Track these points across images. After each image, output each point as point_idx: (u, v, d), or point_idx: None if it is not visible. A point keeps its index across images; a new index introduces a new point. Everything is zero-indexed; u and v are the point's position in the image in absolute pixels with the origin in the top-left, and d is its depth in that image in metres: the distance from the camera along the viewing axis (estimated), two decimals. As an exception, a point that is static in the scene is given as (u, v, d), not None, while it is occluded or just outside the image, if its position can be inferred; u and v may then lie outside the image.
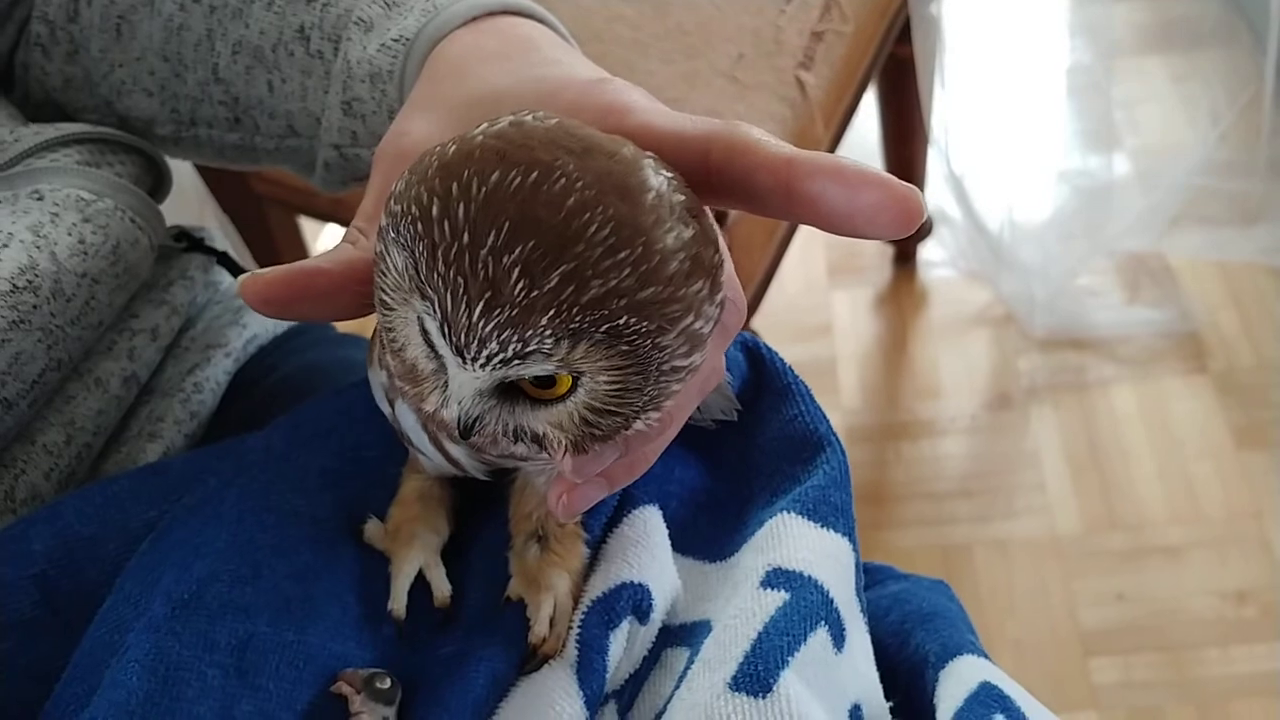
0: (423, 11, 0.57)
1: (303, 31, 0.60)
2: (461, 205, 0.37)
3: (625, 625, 0.50)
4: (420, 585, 0.52)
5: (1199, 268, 1.84)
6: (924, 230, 1.91)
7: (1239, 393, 1.69)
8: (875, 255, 1.96)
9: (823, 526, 0.53)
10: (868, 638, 0.54)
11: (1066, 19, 2.01)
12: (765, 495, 0.56)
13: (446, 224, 0.37)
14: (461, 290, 0.37)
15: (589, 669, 0.48)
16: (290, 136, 0.64)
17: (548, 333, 0.37)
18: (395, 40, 0.57)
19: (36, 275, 0.56)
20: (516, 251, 0.36)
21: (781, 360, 0.60)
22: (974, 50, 1.97)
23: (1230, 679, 1.42)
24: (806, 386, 0.59)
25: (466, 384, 0.39)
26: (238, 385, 0.69)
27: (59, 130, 0.62)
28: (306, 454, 0.55)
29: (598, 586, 0.50)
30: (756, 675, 0.46)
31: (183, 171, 1.28)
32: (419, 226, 0.37)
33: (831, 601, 0.50)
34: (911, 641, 0.58)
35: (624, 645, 0.50)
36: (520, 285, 0.36)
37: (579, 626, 0.49)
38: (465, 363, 0.38)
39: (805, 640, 0.48)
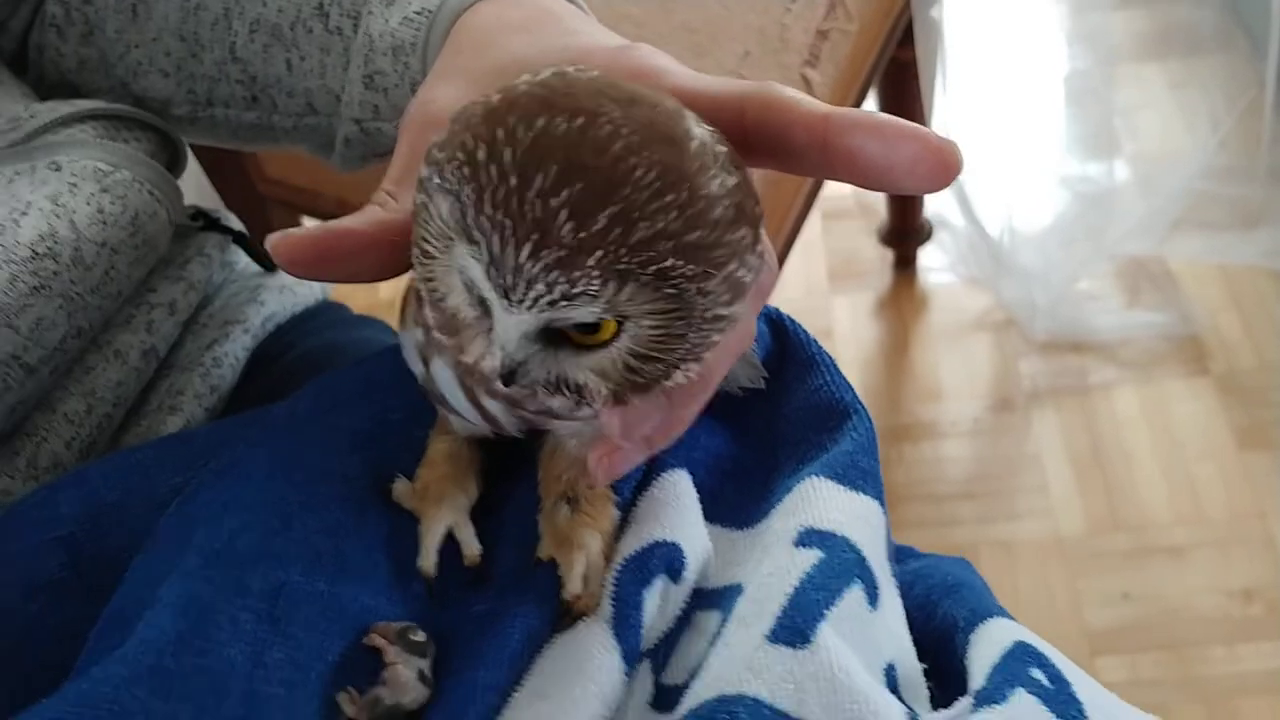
0: None
1: (321, 8, 0.60)
2: (508, 149, 0.37)
3: (659, 583, 0.49)
4: (449, 545, 0.52)
5: (1199, 271, 1.85)
6: (924, 235, 1.92)
7: (1240, 394, 1.70)
8: (875, 260, 1.97)
9: (852, 490, 0.53)
10: (899, 601, 0.53)
11: (1066, 26, 2.03)
12: (792, 464, 0.56)
13: (494, 167, 0.37)
14: (509, 232, 0.37)
15: (625, 624, 0.48)
16: (309, 114, 0.64)
17: (595, 273, 0.37)
18: (418, 13, 0.57)
19: (56, 242, 0.56)
20: (564, 194, 0.36)
21: (805, 331, 0.60)
22: (975, 55, 1.98)
23: (1237, 677, 1.42)
24: (830, 357, 0.59)
25: (511, 327, 0.39)
26: (256, 362, 0.69)
27: (74, 106, 0.62)
28: (334, 417, 0.55)
29: (630, 545, 0.50)
30: (795, 627, 0.46)
31: (188, 170, 1.28)
32: (465, 171, 0.38)
33: (865, 560, 0.50)
34: (938, 611, 0.58)
35: (658, 603, 0.50)
36: (568, 226, 0.36)
37: (613, 584, 0.49)
38: (512, 305, 0.38)
39: (841, 596, 0.48)
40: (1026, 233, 1.87)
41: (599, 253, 0.37)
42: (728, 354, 0.46)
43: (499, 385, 0.43)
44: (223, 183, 1.40)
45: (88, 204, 0.58)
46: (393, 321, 0.77)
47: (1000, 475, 1.67)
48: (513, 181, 0.37)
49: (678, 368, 0.42)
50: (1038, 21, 2.19)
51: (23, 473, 0.58)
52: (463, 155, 0.38)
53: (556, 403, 0.44)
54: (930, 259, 1.96)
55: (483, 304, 0.41)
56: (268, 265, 0.74)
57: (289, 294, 0.73)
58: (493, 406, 0.48)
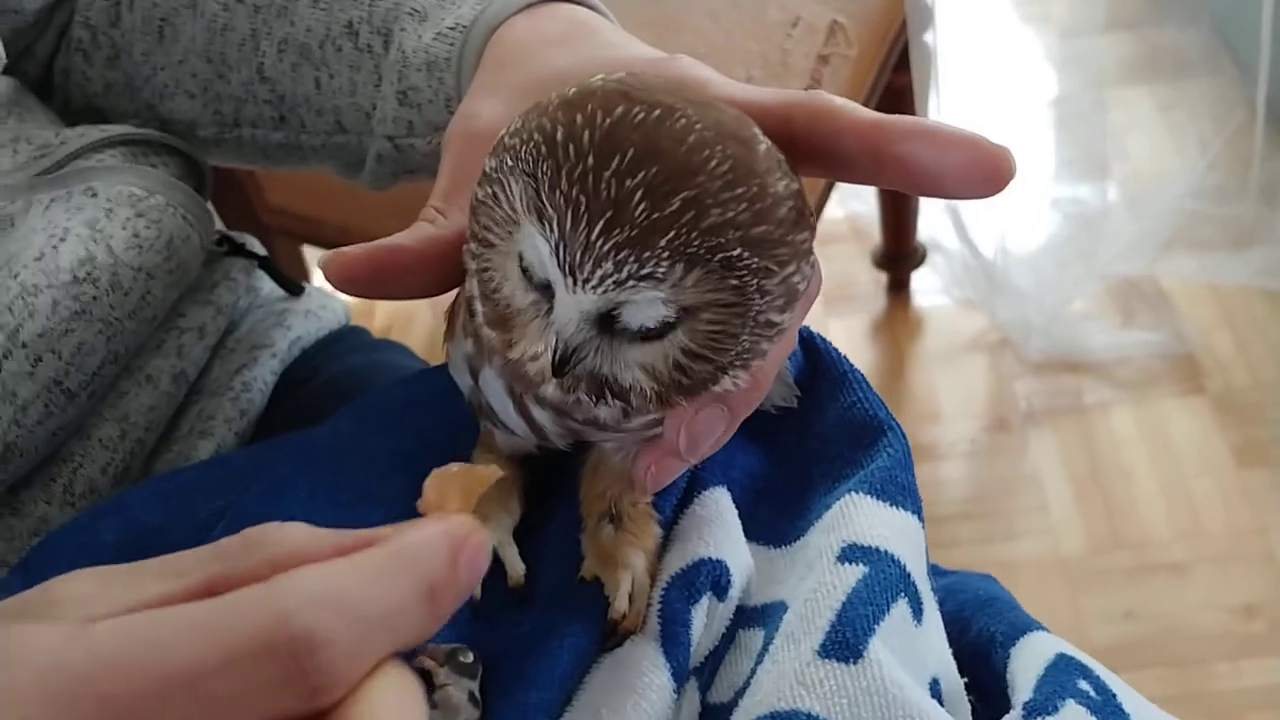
0: (477, 0, 0.57)
1: (351, 27, 0.61)
2: (587, 132, 0.38)
3: (705, 600, 0.50)
4: (493, 565, 0.51)
5: (1192, 291, 1.87)
6: (918, 258, 1.93)
7: (1236, 412, 1.71)
8: (869, 284, 1.98)
9: (892, 505, 0.54)
10: (939, 616, 0.54)
11: (1054, 50, 2.05)
12: (827, 482, 0.57)
13: (572, 147, 0.38)
14: (583, 208, 0.37)
15: (674, 641, 0.48)
16: (338, 133, 0.64)
17: (665, 254, 0.38)
18: (451, 28, 0.58)
19: (95, 267, 0.57)
20: (640, 175, 0.37)
21: (835, 349, 0.60)
22: (967, 80, 2.00)
23: (1241, 693, 1.42)
24: (861, 374, 0.60)
25: (572, 308, 0.39)
26: (283, 386, 0.69)
27: (104, 131, 0.62)
28: (375, 438, 0.55)
29: (675, 563, 0.50)
30: (845, 642, 0.46)
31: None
32: (543, 149, 0.38)
33: (909, 575, 0.50)
34: (973, 627, 0.58)
35: (704, 621, 0.50)
36: (642, 207, 0.37)
37: (660, 602, 0.49)
38: (577, 284, 0.38)
39: (888, 611, 0.48)
40: (1020, 254, 1.88)
41: (670, 234, 0.37)
42: (776, 362, 0.47)
43: (547, 388, 0.43)
44: (225, 211, 1.40)
45: (124, 229, 0.59)
46: (411, 344, 0.77)
47: (999, 496, 1.68)
48: (590, 161, 0.37)
49: (726, 372, 0.42)
50: (1027, 46, 2.21)
51: (59, 499, 0.58)
52: (540, 136, 0.39)
53: (603, 412, 0.45)
54: (924, 281, 1.97)
55: (541, 290, 0.41)
56: (292, 289, 0.74)
57: (314, 318, 0.73)
58: (540, 416, 0.48)
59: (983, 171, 0.42)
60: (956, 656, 0.55)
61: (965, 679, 0.54)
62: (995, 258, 1.85)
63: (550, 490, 0.55)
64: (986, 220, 1.86)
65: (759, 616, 0.53)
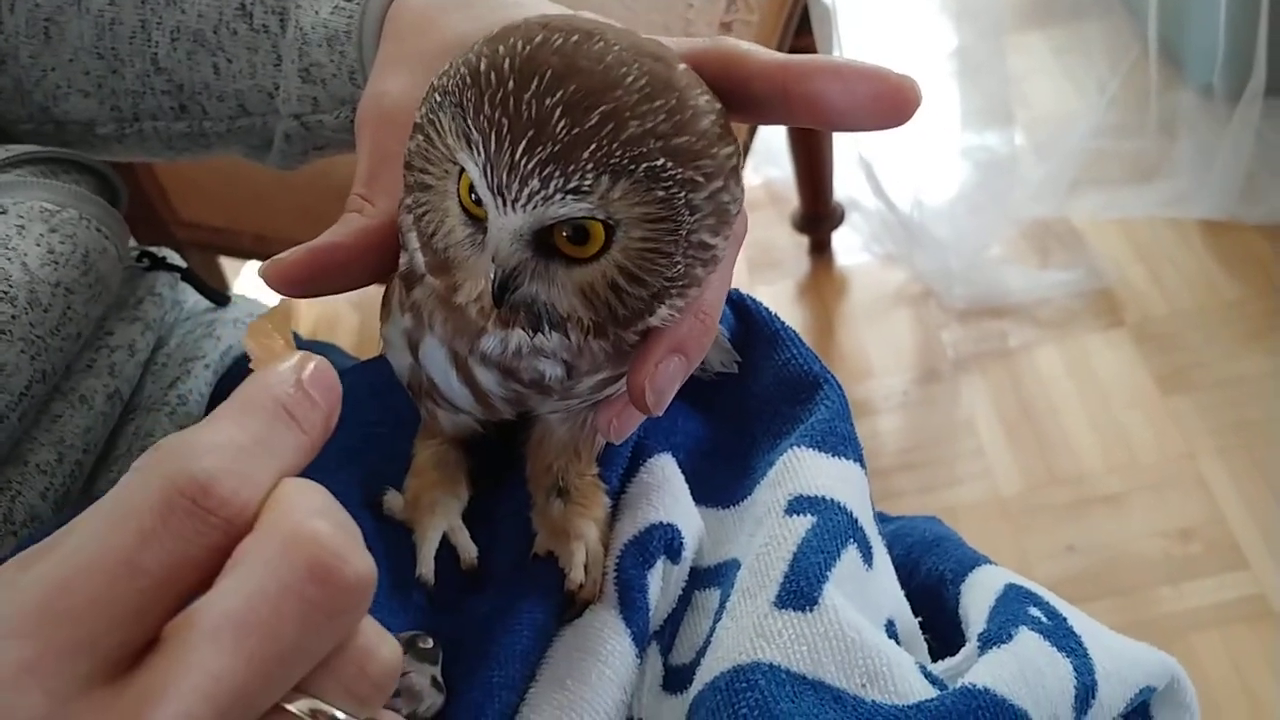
0: None
1: (244, 8, 0.60)
2: (507, 60, 0.39)
3: (660, 564, 0.50)
4: (445, 551, 0.52)
5: (1103, 227, 1.91)
6: (837, 218, 1.95)
7: (1156, 341, 1.75)
8: (791, 248, 2.00)
9: (834, 455, 0.54)
10: (889, 559, 0.55)
11: (950, 3, 2.07)
12: (769, 439, 0.57)
13: (493, 74, 0.39)
14: (505, 129, 0.38)
15: (632, 607, 0.49)
16: (241, 116, 0.63)
17: (589, 167, 0.38)
18: (348, 1, 0.57)
19: (11, 286, 0.55)
20: (559, 94, 0.38)
21: (767, 309, 0.61)
22: (868, 38, 2.02)
23: (1186, 614, 1.46)
24: (794, 331, 0.60)
25: (506, 228, 0.40)
26: (219, 396, 0.68)
27: (8, 151, 0.61)
28: (319, 436, 0.55)
29: (628, 530, 0.51)
30: (800, 591, 0.47)
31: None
32: (467, 79, 0.39)
33: (856, 521, 0.51)
34: (922, 567, 0.59)
35: (660, 584, 0.50)
36: (562, 124, 0.38)
37: (615, 569, 0.50)
38: (506, 204, 0.39)
39: (839, 557, 0.49)
40: (934, 205, 1.91)
41: (591, 146, 0.38)
42: (718, 299, 0.47)
43: (490, 340, 0.44)
44: (138, 230, 1.38)
45: (37, 245, 0.57)
46: (343, 345, 0.76)
47: (936, 444, 1.71)
48: (511, 85, 0.38)
49: (662, 301, 0.43)
50: (923, 0, 2.24)
51: (0, 528, 0.57)
52: (466, 70, 0.40)
53: (547, 368, 0.45)
54: (845, 241, 1.99)
55: (478, 222, 0.41)
56: (218, 300, 0.73)
57: (243, 327, 0.72)
58: (485, 379, 0.47)
59: (890, 102, 0.42)
60: (909, 597, 0.56)
61: (919, 619, 0.55)
62: (911, 211, 1.88)
63: (497, 472, 0.55)
64: (900, 175, 1.88)
65: (713, 576, 0.54)
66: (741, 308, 0.61)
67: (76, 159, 0.63)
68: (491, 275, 0.41)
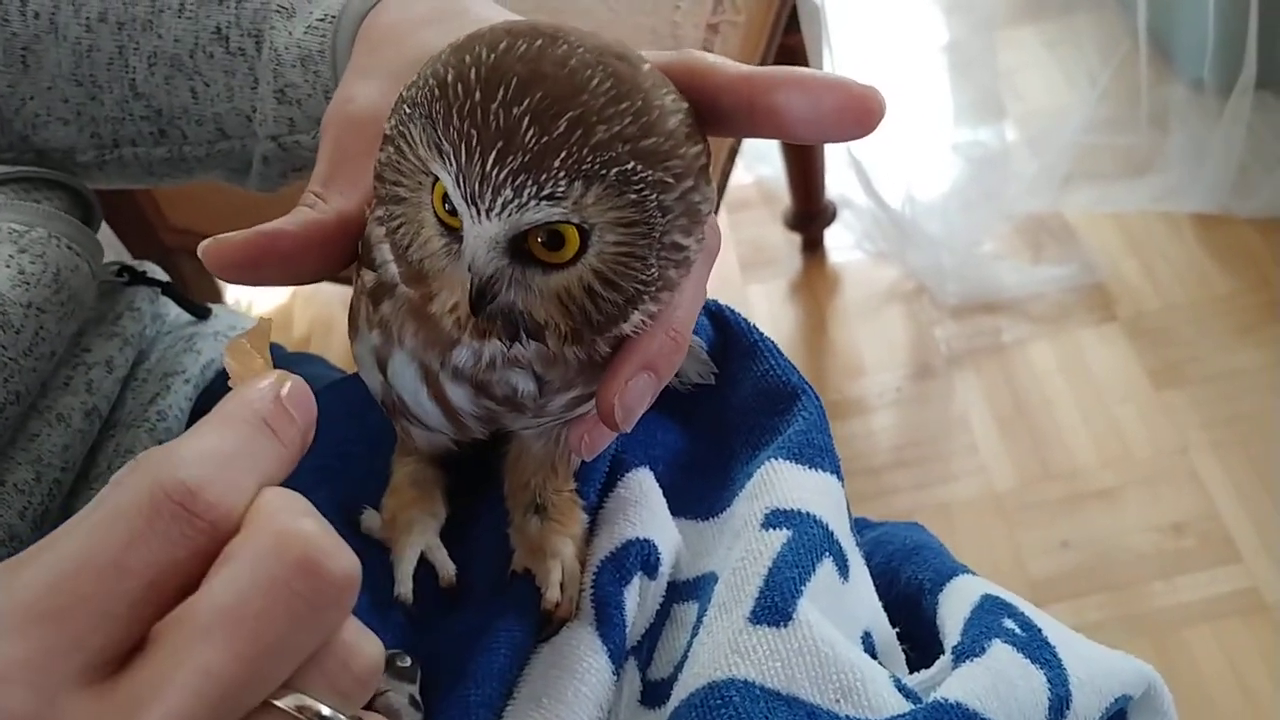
0: None
1: (219, 32, 0.60)
2: (473, 69, 0.39)
3: (636, 580, 0.50)
4: (424, 569, 0.52)
5: (1096, 221, 1.91)
6: (829, 216, 1.95)
7: (1149, 336, 1.75)
8: (784, 246, 2.00)
9: (811, 468, 0.54)
10: (866, 570, 0.55)
11: (940, -3, 2.07)
12: (747, 450, 0.58)
13: (460, 85, 0.39)
14: (475, 140, 0.38)
15: (609, 624, 0.49)
16: (220, 140, 0.63)
17: (561, 174, 0.38)
18: (321, 20, 0.57)
19: None
20: (525, 103, 0.38)
21: (745, 320, 0.61)
22: (858, 35, 2.02)
23: (1179, 608, 1.46)
24: (772, 342, 0.60)
25: (481, 237, 0.40)
26: (200, 411, 0.68)
27: None
28: (294, 455, 0.55)
29: (604, 546, 0.51)
30: (774, 606, 0.47)
31: (91, 228, 1.26)
32: (435, 92, 0.40)
33: (832, 534, 0.51)
34: (901, 576, 0.60)
35: (637, 600, 0.50)
36: (531, 133, 0.38)
37: (592, 586, 0.50)
38: (481, 213, 0.39)
39: (814, 571, 0.49)
40: (926, 202, 1.91)
41: (562, 154, 0.38)
42: (690, 312, 0.47)
43: (462, 352, 0.44)
44: (128, 237, 1.38)
45: (7, 266, 0.57)
46: (333, 349, 0.76)
47: (930, 440, 1.71)
48: (477, 95, 0.39)
49: (636, 305, 0.43)
50: (913, -4, 2.24)
51: None
52: (434, 81, 0.40)
53: (520, 383, 0.45)
54: (837, 238, 1.99)
55: (453, 232, 0.42)
56: (199, 313, 0.73)
57: (224, 339, 0.72)
58: (456, 396, 0.47)
59: (853, 114, 0.43)
60: (888, 607, 0.56)
61: (898, 628, 0.55)
62: (903, 208, 1.88)
63: (474, 489, 0.55)
64: (892, 172, 1.88)
65: (691, 590, 0.54)
66: (720, 318, 0.61)
67: (49, 177, 0.63)
68: (468, 284, 0.41)
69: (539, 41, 0.40)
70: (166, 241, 1.37)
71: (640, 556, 0.51)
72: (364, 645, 0.35)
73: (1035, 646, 0.50)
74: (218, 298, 1.52)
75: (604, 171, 0.39)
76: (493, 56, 0.39)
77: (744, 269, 1.98)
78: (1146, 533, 1.54)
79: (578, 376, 0.46)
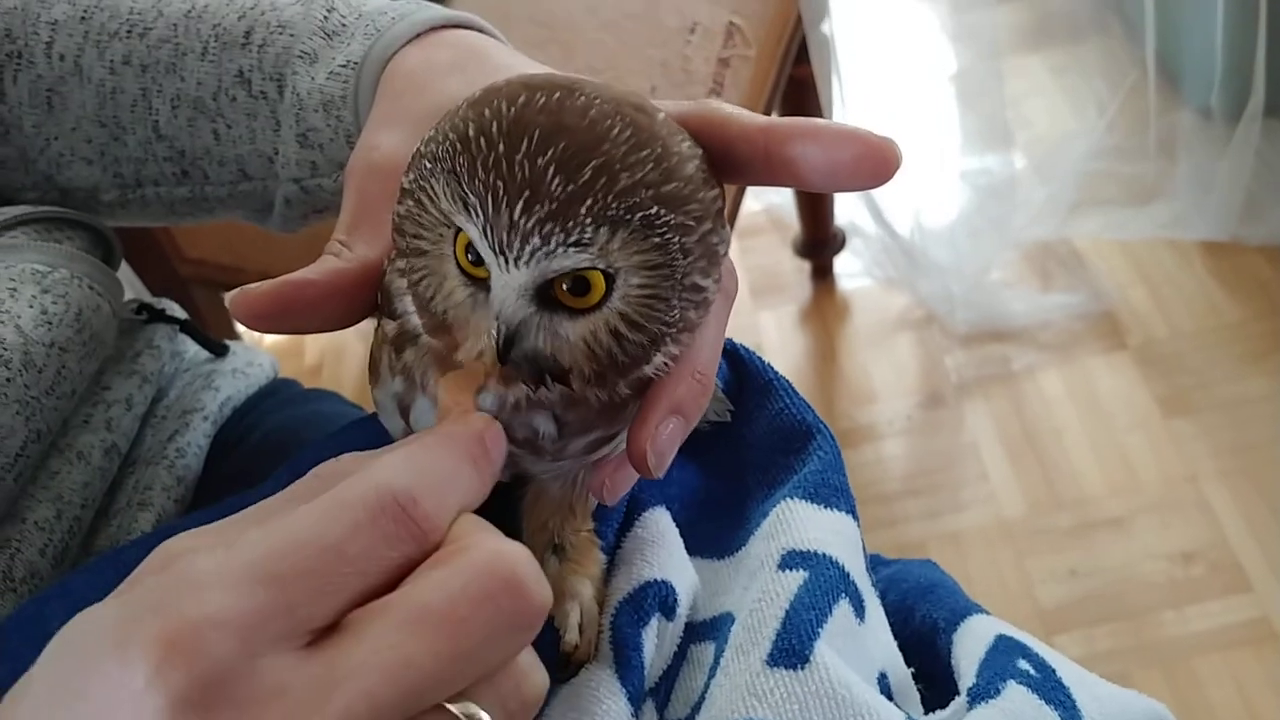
0: (365, 35, 0.58)
1: (242, 75, 0.61)
2: (495, 122, 0.40)
3: (654, 622, 0.51)
4: None
5: (1104, 249, 1.91)
6: (838, 243, 1.96)
7: (1158, 364, 1.75)
8: (794, 273, 2.01)
9: (826, 508, 0.55)
10: (882, 610, 0.55)
11: (948, 26, 2.08)
12: (763, 489, 0.58)
13: (483, 139, 0.40)
14: (502, 191, 0.39)
15: (627, 666, 0.49)
16: (242, 181, 0.64)
17: (588, 220, 0.39)
18: (343, 66, 0.58)
19: (5, 349, 0.56)
20: (550, 153, 0.39)
21: (760, 358, 0.61)
22: (867, 65, 2.03)
23: (1189, 638, 1.46)
24: (787, 380, 0.61)
25: (509, 285, 0.41)
26: (219, 447, 0.69)
27: (2, 215, 0.62)
28: (315, 497, 0.55)
29: (622, 588, 0.51)
30: (791, 649, 0.47)
31: (107, 259, 1.27)
32: (458, 146, 0.40)
33: (848, 575, 0.52)
34: (916, 615, 0.60)
35: (655, 642, 0.51)
36: (556, 181, 0.39)
37: (610, 627, 0.50)
38: (509, 262, 0.40)
39: (831, 613, 0.49)
40: (935, 229, 1.92)
41: (588, 201, 0.39)
42: (713, 355, 0.47)
43: (488, 396, 0.44)
44: (144, 270, 1.39)
45: (30, 306, 0.58)
46: (345, 380, 0.77)
47: (940, 469, 1.71)
48: (501, 148, 0.39)
49: (659, 346, 0.43)
50: (922, 24, 2.25)
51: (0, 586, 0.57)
52: (454, 135, 0.41)
53: (541, 425, 0.45)
54: (847, 265, 2.00)
55: (477, 281, 0.42)
56: (217, 350, 0.74)
57: (242, 377, 0.73)
58: None
59: (870, 164, 0.43)
60: (902, 646, 0.56)
61: (912, 668, 0.56)
62: (912, 235, 1.89)
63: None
64: (900, 199, 1.89)
65: (708, 630, 0.54)
66: (735, 357, 0.61)
67: (70, 216, 0.64)
68: (495, 333, 0.42)
69: (557, 94, 0.40)
70: (182, 272, 1.38)
71: (658, 598, 0.51)
72: (536, 674, 0.37)
73: (1050, 687, 0.50)
74: (234, 332, 1.53)
75: (628, 217, 0.40)
76: (513, 110, 0.40)
77: (754, 295, 1.99)
78: (1156, 561, 1.54)
79: (597, 419, 0.46)
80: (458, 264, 0.43)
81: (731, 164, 0.45)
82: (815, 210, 1.90)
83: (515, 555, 0.35)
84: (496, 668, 0.35)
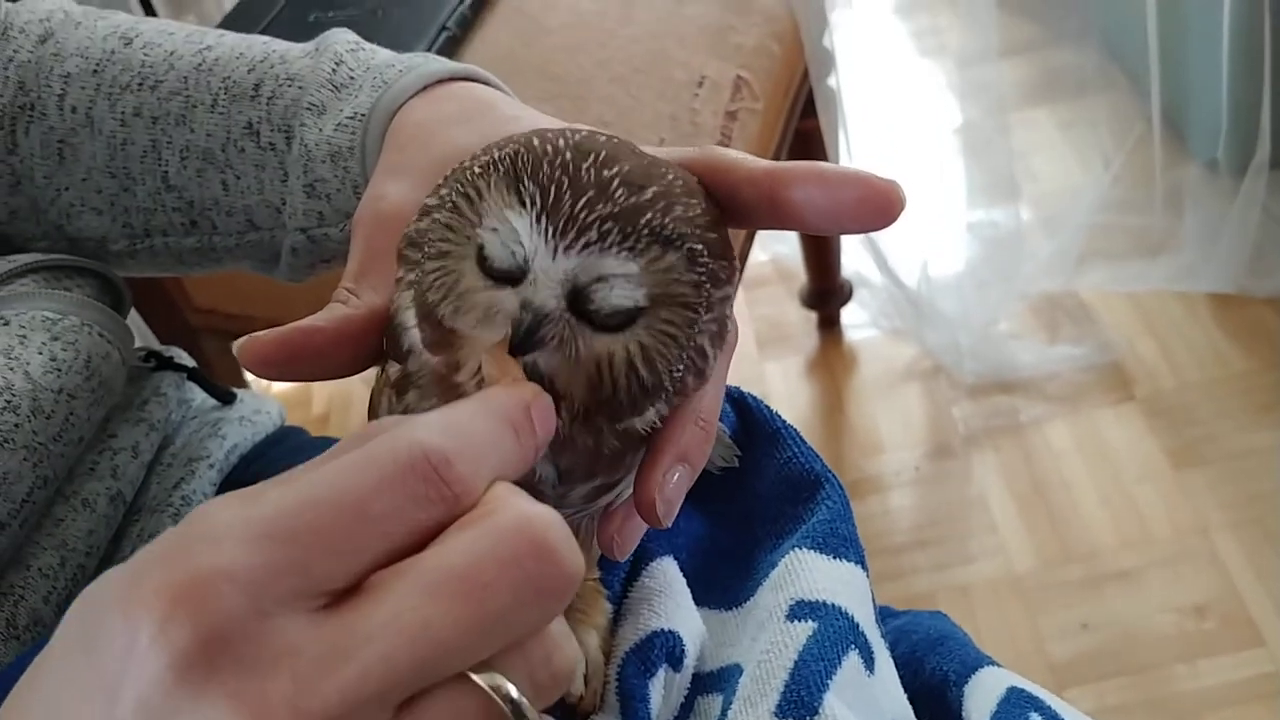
0: (373, 87, 0.59)
1: (251, 127, 0.61)
2: (560, 140, 0.41)
3: (661, 673, 0.50)
4: None
5: (1111, 301, 1.91)
6: (845, 294, 1.96)
7: (1167, 415, 1.75)
8: (800, 324, 2.01)
9: (835, 558, 0.55)
10: (891, 662, 0.55)
11: (954, 80, 2.09)
12: (771, 539, 0.58)
13: (549, 147, 0.41)
14: (565, 187, 0.40)
15: (633, 717, 0.49)
16: (250, 231, 0.64)
17: (645, 232, 0.40)
18: (351, 118, 0.59)
19: (14, 395, 0.57)
20: (615, 169, 0.40)
21: (767, 406, 0.61)
22: (873, 118, 2.04)
23: (1201, 692, 1.44)
24: (795, 429, 0.61)
25: (550, 274, 0.40)
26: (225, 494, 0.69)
27: (12, 263, 0.62)
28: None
29: (629, 638, 0.51)
30: (800, 700, 0.47)
31: (116, 308, 1.28)
32: (521, 152, 0.41)
33: (857, 626, 0.51)
34: (926, 667, 0.59)
35: (662, 693, 0.50)
36: (621, 192, 0.40)
37: (616, 678, 0.50)
38: (559, 249, 0.40)
39: (840, 664, 0.49)
40: (942, 281, 1.92)
41: (649, 215, 0.40)
42: (714, 409, 0.47)
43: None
44: (153, 319, 1.40)
45: (39, 353, 0.59)
46: (351, 428, 0.76)
47: (948, 520, 1.70)
48: (568, 155, 0.40)
49: (655, 400, 0.43)
50: (928, 78, 2.27)
51: (3, 634, 0.57)
52: (511, 149, 0.41)
53: (539, 467, 0.45)
54: (853, 316, 2.00)
55: (499, 280, 0.42)
56: (224, 398, 0.74)
57: (249, 424, 0.73)
58: None
59: (874, 207, 0.43)
60: (912, 698, 0.56)
61: (922, 721, 0.55)
62: (919, 286, 1.89)
63: None
64: (907, 250, 1.89)
65: (716, 681, 0.54)
66: (742, 405, 0.61)
67: (79, 264, 0.65)
68: (522, 320, 0.41)
69: (603, 137, 0.41)
70: (192, 322, 1.38)
71: (665, 648, 0.51)
72: (567, 646, 0.35)
73: (1062, 741, 0.50)
74: (241, 380, 1.53)
75: (679, 244, 0.40)
76: (576, 136, 0.41)
77: (760, 346, 1.99)
78: (1167, 614, 1.53)
79: (597, 466, 0.46)
80: (478, 264, 0.42)
81: (737, 208, 0.46)
82: (822, 261, 1.90)
83: (545, 518, 0.33)
84: (525, 637, 0.33)
